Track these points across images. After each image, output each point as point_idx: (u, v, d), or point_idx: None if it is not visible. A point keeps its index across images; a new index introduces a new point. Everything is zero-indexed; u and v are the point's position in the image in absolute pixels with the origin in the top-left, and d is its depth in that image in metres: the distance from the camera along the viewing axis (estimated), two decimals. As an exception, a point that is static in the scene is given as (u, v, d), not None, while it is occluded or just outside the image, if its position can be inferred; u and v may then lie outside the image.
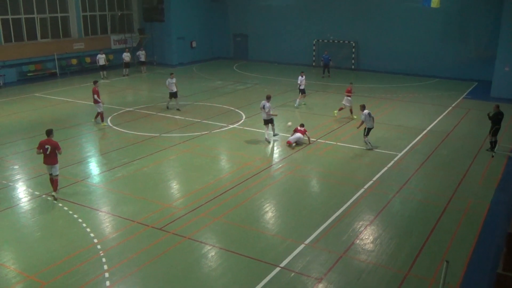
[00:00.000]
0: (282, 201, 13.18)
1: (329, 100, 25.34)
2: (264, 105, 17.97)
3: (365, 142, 17.36)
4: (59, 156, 13.06)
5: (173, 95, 22.84)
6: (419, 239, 11.03)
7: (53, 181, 13.03)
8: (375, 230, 11.46)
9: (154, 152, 16.90)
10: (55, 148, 12.78)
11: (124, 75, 32.30)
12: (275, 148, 17.72)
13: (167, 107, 23.11)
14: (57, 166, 13.00)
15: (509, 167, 15.66)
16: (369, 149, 17.18)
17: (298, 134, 17.80)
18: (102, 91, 22.51)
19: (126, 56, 32.42)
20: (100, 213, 12.25)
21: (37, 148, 12.88)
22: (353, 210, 12.46)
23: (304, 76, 23.71)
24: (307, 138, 17.97)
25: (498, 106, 16.83)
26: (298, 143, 17.78)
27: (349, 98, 21.37)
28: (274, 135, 18.35)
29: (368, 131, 17.29)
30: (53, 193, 13.06)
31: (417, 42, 32.55)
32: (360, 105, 17.69)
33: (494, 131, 16.80)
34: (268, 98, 18.18)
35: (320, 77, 32.13)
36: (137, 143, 17.95)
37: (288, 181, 14.53)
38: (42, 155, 12.94)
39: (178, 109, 22.70)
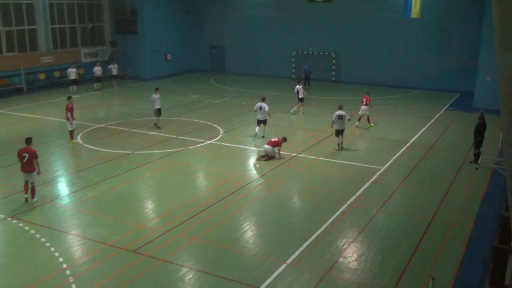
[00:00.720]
0: (262, 219, 13.12)
1: (309, 114, 25.49)
2: (261, 106, 20.31)
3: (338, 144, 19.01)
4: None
5: (158, 111, 22.19)
6: (405, 255, 11.08)
7: (32, 189, 13.85)
8: (359, 247, 11.48)
9: (127, 170, 16.71)
10: (33, 156, 13.65)
11: (95, 90, 32.04)
12: (254, 164, 17.69)
13: (156, 125, 22.30)
14: (35, 173, 13.82)
15: (493, 180, 15.93)
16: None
17: (266, 146, 17.78)
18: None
19: (97, 70, 32.19)
20: (69, 236, 12.01)
21: (17, 156, 13.83)
22: (336, 227, 12.47)
23: (301, 85, 25.01)
24: (277, 152, 17.87)
25: (480, 118, 17.14)
26: (269, 156, 17.78)
27: (365, 107, 22.07)
28: (262, 136, 20.33)
29: (335, 132, 18.87)
30: (31, 200, 13.88)
31: (398, 53, 33.15)
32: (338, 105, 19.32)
33: (477, 143, 17.09)
34: (264, 99, 20.64)
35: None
36: (109, 161, 17.74)
37: (268, 198, 14.50)
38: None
39: (158, 127, 22.18)
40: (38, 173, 13.96)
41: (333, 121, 18.92)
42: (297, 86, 25.14)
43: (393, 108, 26.42)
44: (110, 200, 14.31)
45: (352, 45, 34.73)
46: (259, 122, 20.53)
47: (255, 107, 20.67)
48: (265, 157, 17.69)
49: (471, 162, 17.35)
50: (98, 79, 32.26)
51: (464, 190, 15.05)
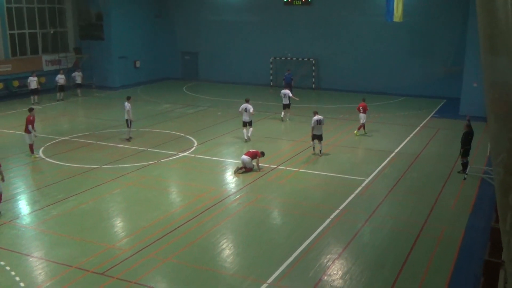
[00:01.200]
0: (240, 236, 13.10)
1: (289, 123, 25.64)
2: (246, 108, 21.58)
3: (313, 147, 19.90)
4: None
5: (127, 122, 22.01)
6: (392, 271, 11.18)
7: None
8: (344, 263, 11.54)
9: (94, 186, 16.53)
10: None
11: (58, 100, 31.69)
12: (231, 177, 17.69)
13: (128, 139, 22.16)
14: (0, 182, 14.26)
15: (482, 190, 16.22)
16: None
17: (244, 157, 17.78)
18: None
19: (60, 79, 31.86)
20: (31, 259, 11.79)
21: None
22: (320, 242, 12.52)
23: (288, 91, 25.92)
24: (255, 164, 17.90)
25: (467, 125, 17.48)
26: (247, 168, 17.80)
27: (363, 114, 22.58)
28: (246, 140, 21.66)
29: (312, 136, 19.68)
30: None
31: (381, 58, 33.67)
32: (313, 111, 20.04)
33: (464, 152, 17.39)
34: (248, 101, 21.93)
35: (280, 97, 32.51)
36: (74, 176, 17.52)
37: (247, 213, 14.49)
38: None
39: (127, 139, 22.08)
40: (2, 179, 14.35)
41: (312, 127, 19.53)
42: (284, 91, 25.99)
43: (376, 116, 26.73)
44: (76, 218, 14.10)
45: (332, 50, 35.14)
46: (245, 124, 21.87)
47: (240, 108, 21.96)
48: (243, 169, 17.70)
49: (459, 172, 17.64)
50: (62, 88, 31.92)
51: (452, 202, 15.29)
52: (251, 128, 21.96)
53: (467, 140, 17.32)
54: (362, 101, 23.22)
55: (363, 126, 22.96)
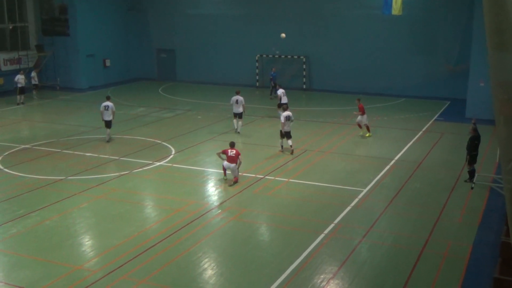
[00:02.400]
0: (224, 255, 13.07)
1: (276, 128, 25.63)
2: (237, 100, 23.91)
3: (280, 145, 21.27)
4: None
5: (108, 124, 22.95)
6: (393, 292, 11.22)
7: None
8: (340, 284, 11.57)
9: (59, 199, 16.42)
10: None
11: (18, 103, 31.46)
12: (213, 188, 17.67)
13: (108, 141, 23.00)
14: None
15: (491, 200, 16.37)
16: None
17: (228, 164, 17.71)
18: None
19: (21, 79, 31.65)
20: (-12, 283, 11.68)
21: None
22: (312, 261, 12.54)
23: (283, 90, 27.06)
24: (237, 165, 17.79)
25: (474, 130, 17.67)
26: (235, 178, 17.76)
27: (361, 116, 23.29)
28: (238, 132, 24.04)
29: (282, 134, 20.96)
30: None
31: (379, 56, 33.91)
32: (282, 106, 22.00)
33: (471, 158, 17.57)
34: (238, 93, 24.28)
35: (267, 99, 32.68)
36: (36, 189, 17.38)
37: (231, 229, 14.48)
38: None
39: (109, 140, 23.07)
40: None
41: (283, 123, 20.83)
42: (280, 90, 26.89)
43: (374, 120, 26.88)
44: (39, 236, 13.98)
45: (325, 47, 35.32)
46: (235, 116, 24.23)
47: (231, 100, 24.23)
48: (233, 181, 17.59)
49: (465, 181, 17.79)
50: (22, 91, 31.70)
51: (458, 214, 15.41)
52: (241, 121, 24.30)
53: (473, 145, 17.48)
54: (357, 101, 23.70)
55: (364, 126, 23.69)
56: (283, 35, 22.01)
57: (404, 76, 33.55)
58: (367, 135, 23.60)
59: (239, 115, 24.21)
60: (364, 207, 15.86)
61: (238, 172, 17.78)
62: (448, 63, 32.50)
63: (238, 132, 24.12)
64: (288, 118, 20.77)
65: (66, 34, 37.11)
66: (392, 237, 13.92)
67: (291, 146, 20.90)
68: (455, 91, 31.73)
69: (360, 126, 23.77)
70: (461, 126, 25.16)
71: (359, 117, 23.55)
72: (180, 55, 40.03)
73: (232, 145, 18.14)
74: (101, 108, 23.04)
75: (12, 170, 19.38)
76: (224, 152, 17.84)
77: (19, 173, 18.99)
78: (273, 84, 32.82)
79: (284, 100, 26.08)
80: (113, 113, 23.08)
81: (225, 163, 17.76)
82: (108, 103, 23.05)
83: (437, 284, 11.52)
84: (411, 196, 16.85)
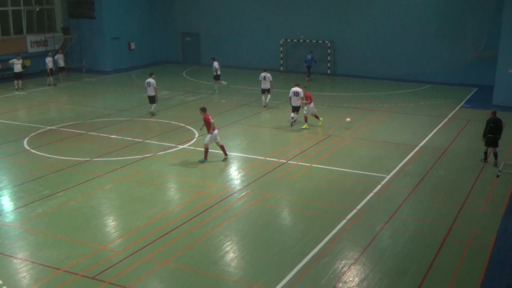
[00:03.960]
0: (246, 238, 13.15)
1: (300, 113, 25.57)
2: (265, 76, 25.81)
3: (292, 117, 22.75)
4: None
5: (151, 99, 24.78)
6: (414, 279, 11.19)
7: None
8: (361, 270, 11.57)
9: (84, 181, 16.63)
10: None
11: (49, 85, 31.98)
12: (236, 172, 17.73)
13: (152, 114, 24.90)
14: None
15: (517, 189, 16.19)
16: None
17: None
18: (17, 105, 22.24)
19: (50, 62, 32.05)
20: (15, 260, 11.90)
21: None
22: (334, 246, 12.55)
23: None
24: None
25: (493, 113, 17.88)
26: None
27: (309, 104, 22.39)
28: (264, 106, 26.20)
29: (292, 108, 22.59)
30: None
31: (405, 41, 33.49)
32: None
33: (487, 140, 17.82)
34: (266, 70, 26.34)
35: (292, 83, 32.35)
36: (62, 170, 17.62)
37: (253, 213, 14.54)
38: None
39: (153, 114, 24.90)
40: None
41: (290, 98, 22.59)
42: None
43: (399, 106, 26.67)
44: (64, 217, 14.20)
45: (351, 32, 35.00)
46: (264, 91, 26.19)
47: (260, 77, 26.09)
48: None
49: (480, 160, 18.18)
50: (52, 72, 32.15)
51: (483, 202, 15.26)
52: (269, 95, 26.28)
53: (487, 127, 17.79)
54: (304, 88, 22.74)
55: (313, 115, 22.80)
56: (349, 119, 22.56)
57: (430, 62, 33.13)
58: (304, 126, 22.47)
59: (267, 91, 26.10)
60: (387, 194, 15.79)
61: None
62: (476, 49, 32.00)
63: (266, 106, 26.08)
64: (296, 94, 22.22)
65: (92, 17, 37.30)
66: (415, 224, 13.84)
67: (297, 118, 22.74)
68: (483, 78, 31.33)
69: (306, 119, 22.64)
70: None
71: (305, 107, 22.49)
72: (205, 39, 40.01)
73: (204, 110, 18.39)
74: (145, 84, 24.80)
75: (38, 151, 19.66)
76: (209, 119, 18.07)
77: (45, 154, 19.25)
78: (312, 64, 33.53)
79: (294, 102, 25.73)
80: (155, 89, 24.61)
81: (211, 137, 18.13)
82: (150, 79, 24.57)
83: (459, 272, 11.45)
84: (435, 183, 16.71)
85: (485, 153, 18.29)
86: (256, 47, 37.91)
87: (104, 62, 37.67)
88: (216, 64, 29.54)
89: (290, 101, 22.62)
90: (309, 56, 33.72)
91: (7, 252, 12.26)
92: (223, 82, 30.13)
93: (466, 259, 12.03)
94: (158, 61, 41.00)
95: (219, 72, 29.75)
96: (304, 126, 22.54)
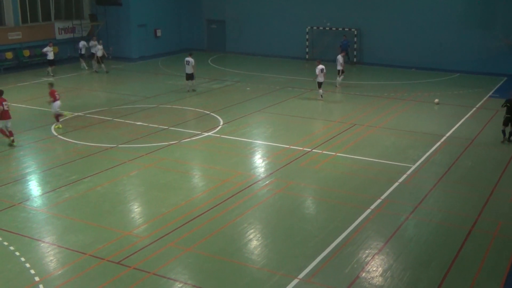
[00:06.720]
0: (270, 226, 13.18)
1: (326, 101, 25.47)
2: (322, 69, 24.85)
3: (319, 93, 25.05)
4: None
5: (189, 76, 26.62)
6: (439, 270, 11.12)
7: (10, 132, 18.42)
8: (385, 260, 11.53)
9: (110, 167, 16.81)
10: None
11: (83, 69, 33.01)
12: (260, 160, 17.75)
13: (188, 90, 26.98)
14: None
15: (546, 181, 15.93)
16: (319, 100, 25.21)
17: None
18: (44, 91, 22.56)
19: (83, 47, 33.01)
20: (42, 244, 12.10)
21: None
22: (358, 236, 12.52)
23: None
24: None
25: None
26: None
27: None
28: (321, 96, 25.69)
29: (319, 84, 24.95)
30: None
31: (433, 29, 33.00)
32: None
33: (504, 120, 19.08)
34: (320, 62, 25.65)
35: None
36: (88, 156, 17.83)
37: (277, 201, 14.56)
38: None
39: (194, 90, 27.11)
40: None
41: (317, 75, 24.81)
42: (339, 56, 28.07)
43: (426, 95, 26.37)
44: (90, 202, 14.39)
45: (377, 19, 34.61)
46: (320, 85, 25.51)
47: (317, 71, 24.99)
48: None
49: (501, 142, 19.07)
50: (83, 57, 32.72)
51: (510, 194, 15.04)
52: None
53: (506, 108, 19.01)
54: (50, 86, 21.49)
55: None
56: (437, 100, 23.32)
57: (459, 51, 32.61)
58: (56, 126, 20.88)
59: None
60: (413, 184, 15.66)
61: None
62: (506, 37, 31.43)
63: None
64: (322, 71, 24.60)
65: (118, 4, 37.44)
66: (441, 215, 13.73)
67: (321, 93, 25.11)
68: (512, 67, 30.82)
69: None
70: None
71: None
72: (230, 26, 39.94)
73: (52, 85, 20.67)
74: (184, 62, 26.68)
75: (65, 137, 19.90)
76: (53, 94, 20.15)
77: (72, 140, 19.48)
78: (347, 48, 33.59)
79: (321, 79, 25.08)
80: (193, 67, 26.45)
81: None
82: (189, 58, 26.39)
83: (485, 264, 11.34)
84: (462, 173, 16.52)
85: (503, 132, 19.21)
86: (282, 34, 37.70)
87: (130, 49, 37.84)
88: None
89: (317, 77, 24.79)
90: (344, 41, 33.62)
91: (35, 236, 12.48)
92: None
93: (491, 251, 11.90)
94: (183, 48, 41.04)
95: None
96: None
